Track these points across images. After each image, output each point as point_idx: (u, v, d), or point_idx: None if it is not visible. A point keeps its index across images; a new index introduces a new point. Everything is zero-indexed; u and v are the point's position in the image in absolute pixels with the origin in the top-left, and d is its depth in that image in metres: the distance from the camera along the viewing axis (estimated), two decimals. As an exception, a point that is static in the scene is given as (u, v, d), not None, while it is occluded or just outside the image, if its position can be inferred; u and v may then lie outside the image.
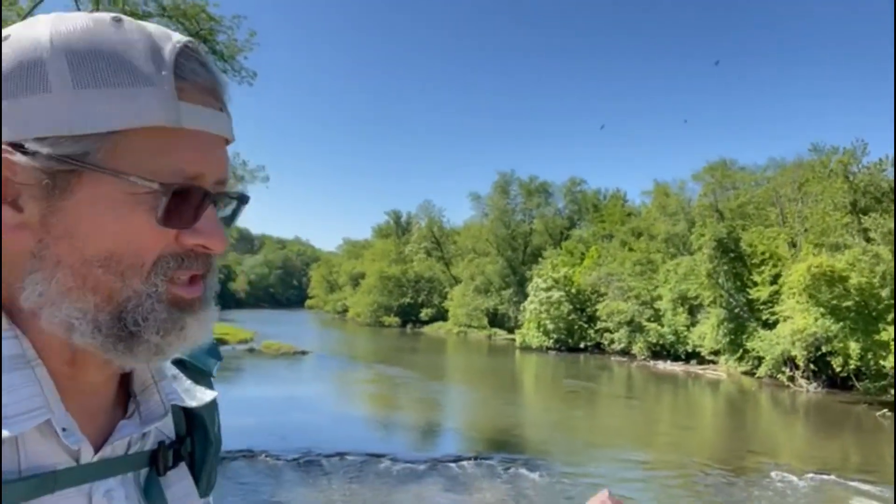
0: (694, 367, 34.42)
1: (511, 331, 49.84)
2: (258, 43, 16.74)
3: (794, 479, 13.41)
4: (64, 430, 0.57)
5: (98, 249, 0.56)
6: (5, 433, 0.52)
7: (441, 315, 60.79)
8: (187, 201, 0.58)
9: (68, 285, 0.56)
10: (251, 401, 18.39)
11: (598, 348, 42.23)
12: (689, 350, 35.59)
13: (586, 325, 43.09)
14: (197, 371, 0.78)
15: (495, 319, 54.00)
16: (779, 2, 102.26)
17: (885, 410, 21.38)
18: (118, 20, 0.58)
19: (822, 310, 23.44)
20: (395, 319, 64.97)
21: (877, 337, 22.16)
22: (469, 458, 13.52)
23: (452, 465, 12.99)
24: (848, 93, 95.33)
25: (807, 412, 23.81)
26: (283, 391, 22.12)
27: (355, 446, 13.84)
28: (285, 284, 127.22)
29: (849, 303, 23.25)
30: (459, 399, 23.62)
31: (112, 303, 0.58)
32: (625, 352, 39.41)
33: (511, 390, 27.51)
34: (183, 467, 0.72)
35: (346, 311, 75.77)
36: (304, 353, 34.34)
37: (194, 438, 0.74)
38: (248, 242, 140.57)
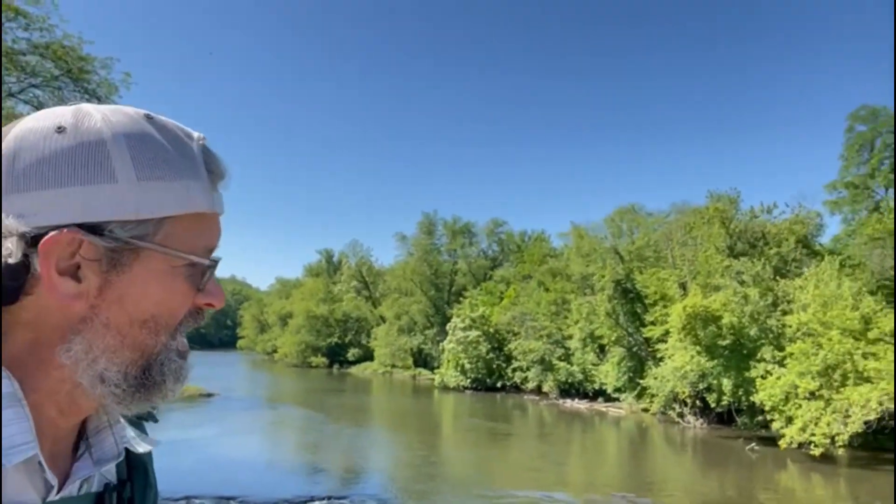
0: (599, 405, 35.42)
1: (435, 371, 50.12)
2: (135, 83, 17.18)
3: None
4: (46, 465, 0.63)
5: (144, 312, 0.66)
6: (4, 463, 0.58)
7: (368, 355, 60.58)
8: (210, 270, 0.71)
9: (111, 344, 0.65)
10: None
11: (516, 388, 42.90)
12: (597, 388, 36.66)
13: (504, 365, 43.78)
14: (139, 416, 0.84)
15: (420, 359, 54.21)
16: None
17: (754, 444, 22.60)
18: (150, 117, 0.70)
19: (697, 348, 24.75)
20: (322, 360, 64.32)
21: (746, 374, 23.50)
22: (322, 498, 13.73)
23: (301, 505, 13.17)
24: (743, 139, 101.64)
25: (688, 447, 24.84)
26: (167, 434, 21.74)
27: (213, 490, 13.84)
28: (218, 325, 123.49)
29: (724, 342, 24.64)
30: (350, 440, 23.66)
31: (144, 357, 0.67)
32: (538, 390, 40.19)
33: (409, 430, 27.72)
34: None
35: (275, 351, 74.61)
36: (209, 395, 33.76)
37: (134, 484, 0.80)
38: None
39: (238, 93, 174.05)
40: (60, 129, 0.64)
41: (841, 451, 21.03)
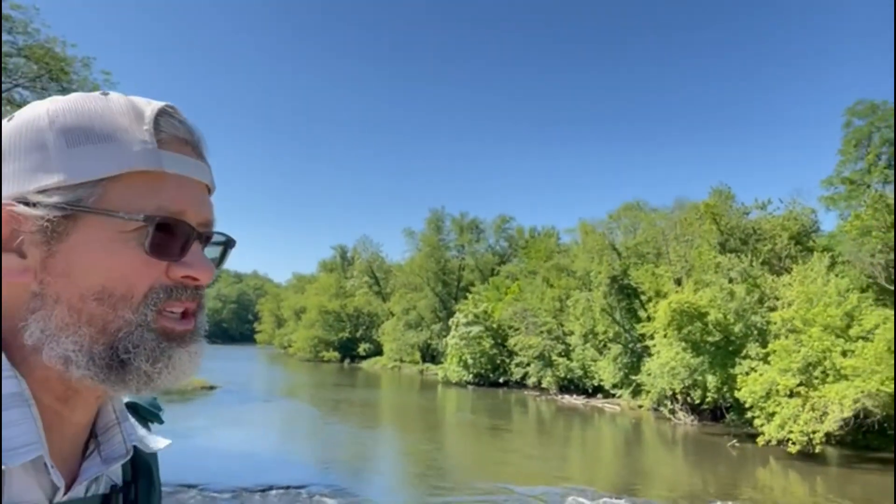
0: (596, 401, 35.42)
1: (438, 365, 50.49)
2: (118, 82, 17.79)
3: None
4: (52, 466, 0.61)
5: (92, 284, 0.62)
6: (4, 465, 0.56)
7: (379, 350, 61.17)
8: (174, 235, 0.66)
9: (66, 320, 0.62)
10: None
11: (519, 383, 43.05)
12: (595, 384, 36.65)
13: (508, 360, 43.94)
14: (147, 414, 0.83)
15: (427, 354, 54.61)
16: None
17: (734, 441, 22.50)
18: (105, 94, 0.69)
19: (682, 344, 24.67)
20: (334, 354, 65.04)
21: (731, 370, 23.38)
22: (281, 488, 14.12)
23: (257, 494, 13.58)
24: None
25: (674, 444, 24.80)
26: (153, 425, 22.32)
27: (175, 478, 14.29)
28: (240, 319, 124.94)
29: (710, 338, 24.53)
30: (337, 432, 24.10)
31: (105, 334, 0.63)
32: (539, 386, 40.31)
33: (401, 424, 28.10)
34: None
35: (290, 345, 75.70)
36: (211, 387, 34.52)
37: (138, 485, 0.77)
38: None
39: (254, 94, 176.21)
40: (10, 119, 0.67)
41: (830, 450, 20.91)
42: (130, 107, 0.68)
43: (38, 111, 0.66)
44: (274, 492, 13.82)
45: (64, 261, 0.63)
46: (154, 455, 0.81)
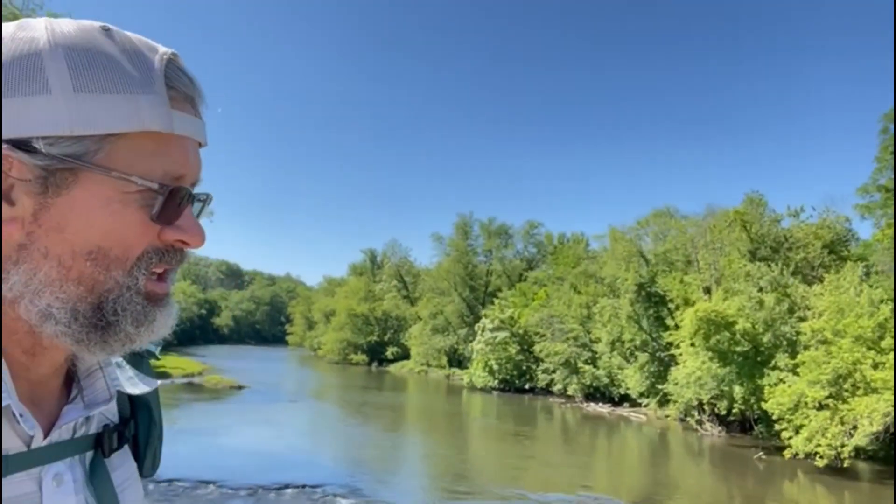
0: (622, 410, 34.96)
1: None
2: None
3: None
4: (21, 415, 0.59)
5: (88, 243, 0.60)
6: None
7: (406, 354, 61.34)
8: (173, 200, 0.64)
9: (52, 276, 0.60)
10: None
11: (545, 390, 42.72)
12: (622, 393, 36.18)
13: (534, 367, 43.66)
14: (138, 354, 0.79)
15: (454, 359, 54.59)
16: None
17: (761, 453, 22.00)
18: (107, 29, 0.64)
19: (710, 354, 24.22)
20: (362, 357, 65.42)
21: (759, 381, 22.87)
22: (297, 487, 14.32)
23: (273, 492, 13.79)
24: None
25: (699, 455, 24.35)
26: (182, 422, 22.87)
27: (196, 474, 14.59)
28: (272, 321, 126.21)
29: (738, 348, 24.04)
30: (359, 434, 24.29)
31: (94, 293, 0.62)
32: (565, 393, 39.95)
33: (421, 427, 28.21)
34: (126, 449, 0.75)
35: (320, 348, 76.41)
36: (240, 387, 35.15)
37: (138, 421, 0.77)
38: (237, 278, 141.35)
39: (286, 97, 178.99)
40: None
41: (861, 464, 20.31)
42: (139, 52, 0.64)
43: (38, 40, 0.60)
44: (290, 490, 14.03)
45: (58, 215, 0.60)
46: (154, 391, 0.80)
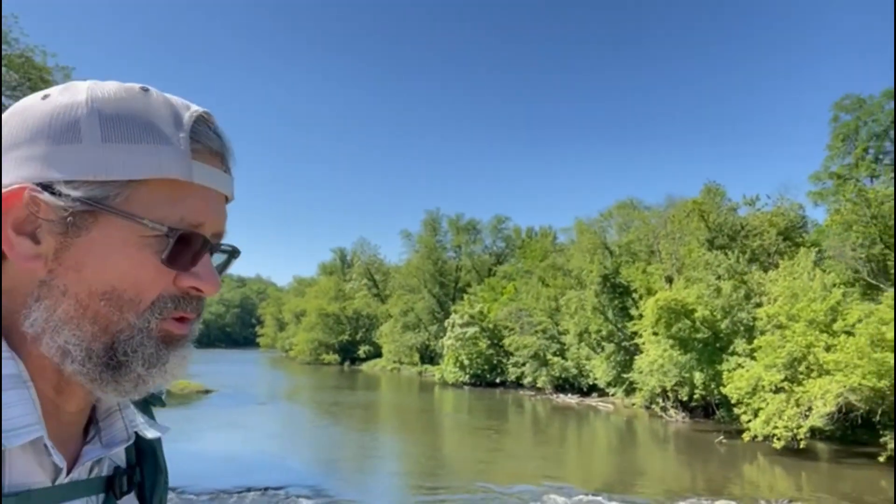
0: (591, 400, 35.48)
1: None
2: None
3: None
4: (53, 447, 0.62)
5: (103, 283, 0.63)
6: (5, 445, 0.57)
7: (379, 352, 61.27)
8: (188, 246, 0.66)
9: (70, 314, 0.62)
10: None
11: (516, 383, 43.09)
12: (590, 383, 36.68)
13: (505, 361, 43.99)
14: (149, 397, 0.80)
15: (426, 355, 54.70)
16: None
17: (722, 437, 22.53)
18: (146, 90, 0.68)
19: (671, 342, 24.69)
20: (334, 357, 65.18)
21: (718, 367, 23.39)
22: (259, 489, 14.23)
23: (234, 496, 13.70)
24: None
25: (664, 441, 24.82)
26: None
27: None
28: (243, 323, 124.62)
29: (699, 335, 24.55)
30: (327, 435, 24.21)
31: (107, 333, 0.64)
32: (535, 386, 40.35)
33: (391, 425, 28.20)
34: (133, 496, 0.77)
35: (291, 349, 75.84)
36: (207, 391, 34.71)
37: (143, 468, 0.79)
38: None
39: (250, 98, 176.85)
40: (45, 97, 0.66)
41: (820, 445, 20.92)
42: (170, 109, 0.68)
43: (78, 98, 0.65)
44: (252, 494, 13.94)
45: (78, 255, 0.63)
46: (158, 439, 0.82)
